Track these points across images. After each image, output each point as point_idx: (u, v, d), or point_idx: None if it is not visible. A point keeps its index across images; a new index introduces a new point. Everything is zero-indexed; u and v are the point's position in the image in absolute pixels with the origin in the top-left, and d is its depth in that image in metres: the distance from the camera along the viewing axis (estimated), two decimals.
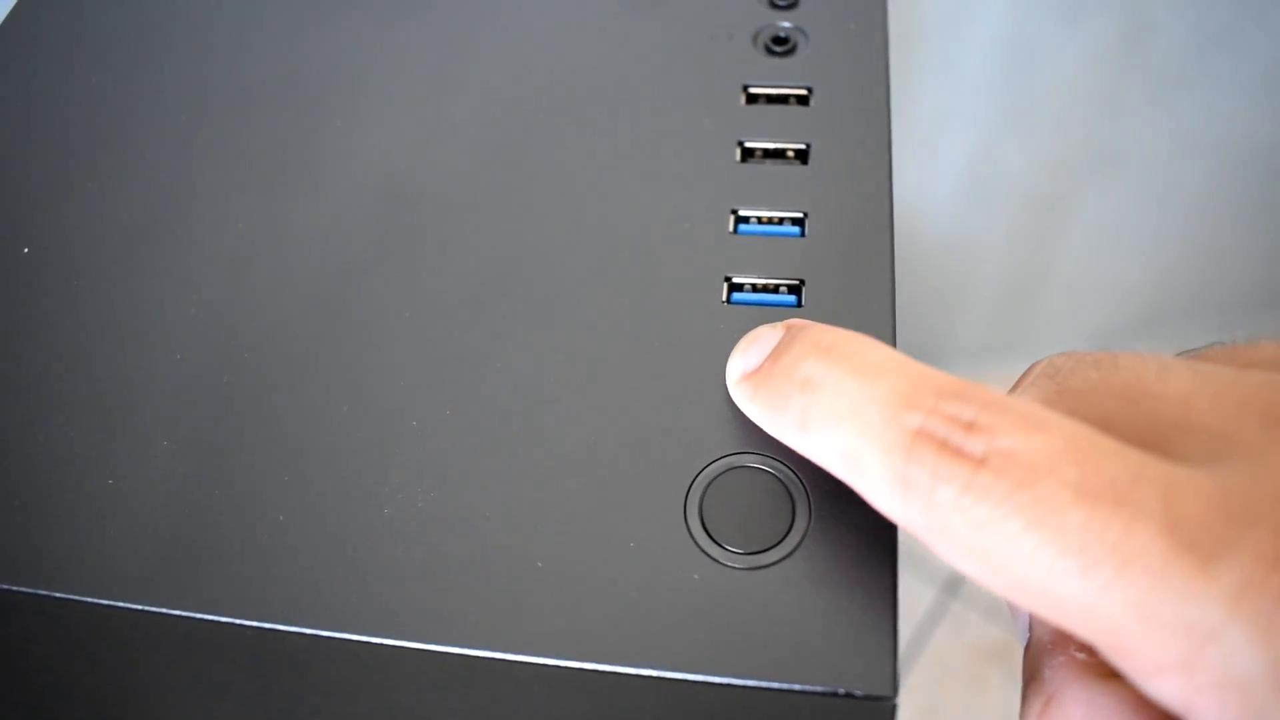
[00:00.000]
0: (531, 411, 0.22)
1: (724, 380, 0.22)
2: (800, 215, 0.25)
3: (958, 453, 0.16)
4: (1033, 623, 0.21)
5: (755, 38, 0.28)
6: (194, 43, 0.30)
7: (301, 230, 0.26)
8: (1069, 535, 0.15)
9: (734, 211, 0.25)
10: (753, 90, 0.27)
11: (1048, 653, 0.19)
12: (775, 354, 0.20)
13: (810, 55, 0.28)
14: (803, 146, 0.26)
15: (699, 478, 0.21)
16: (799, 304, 0.23)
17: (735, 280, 0.24)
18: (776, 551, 0.20)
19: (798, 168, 0.26)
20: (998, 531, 0.16)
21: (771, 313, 0.23)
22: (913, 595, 1.09)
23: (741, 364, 0.21)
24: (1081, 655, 0.19)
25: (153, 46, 0.30)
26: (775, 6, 0.29)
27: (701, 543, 0.20)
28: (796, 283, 0.24)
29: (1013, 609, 0.22)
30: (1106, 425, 0.17)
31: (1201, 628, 0.15)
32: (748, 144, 0.26)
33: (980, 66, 0.88)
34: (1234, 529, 0.15)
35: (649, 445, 0.22)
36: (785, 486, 0.21)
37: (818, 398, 0.19)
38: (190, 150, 0.28)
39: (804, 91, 0.27)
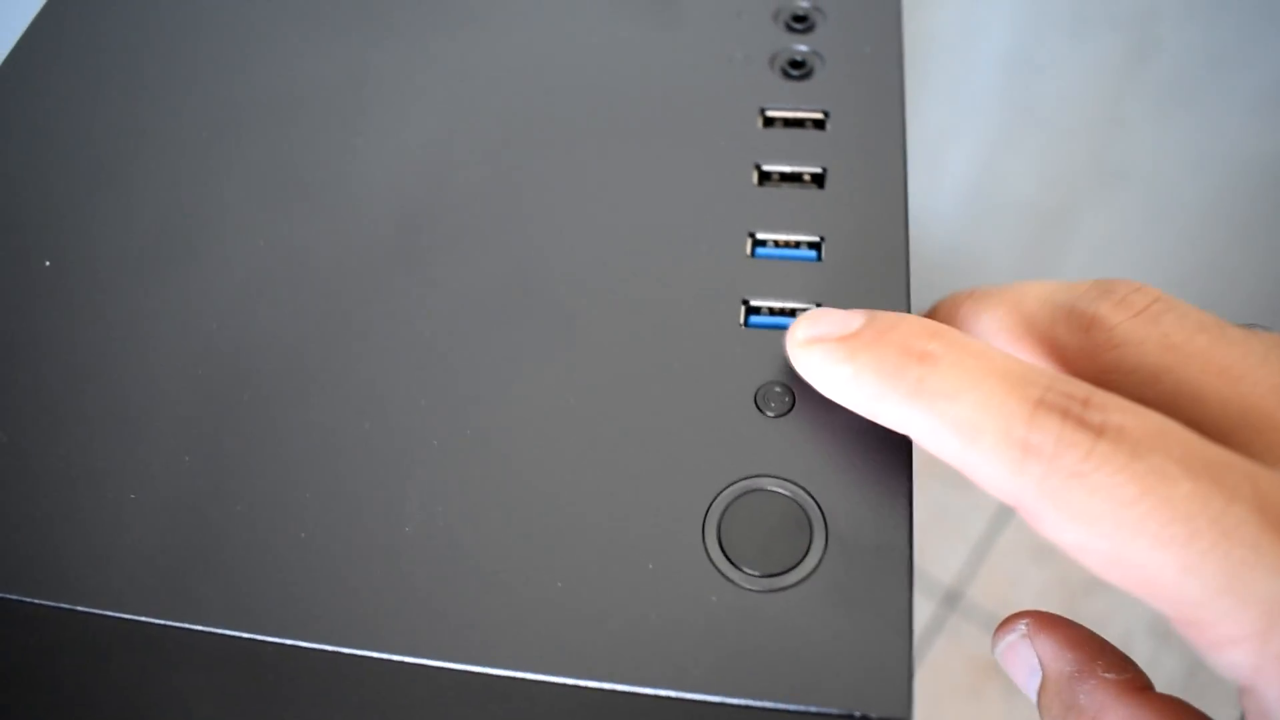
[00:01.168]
0: (551, 432, 0.23)
1: (742, 402, 0.22)
2: (817, 239, 0.25)
3: (1081, 421, 0.17)
4: (1048, 659, 0.21)
5: (772, 61, 0.29)
6: (212, 59, 0.31)
7: (321, 246, 0.26)
8: (1177, 504, 0.16)
9: (751, 235, 0.25)
10: (770, 114, 0.28)
11: (1076, 681, 0.20)
12: (880, 326, 0.20)
13: (826, 79, 0.28)
14: (819, 170, 0.26)
15: (717, 500, 0.21)
16: None
17: (753, 303, 0.24)
18: (793, 574, 0.21)
19: (814, 191, 0.26)
20: (1113, 496, 0.17)
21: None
22: (914, 608, 1.09)
23: (815, 329, 0.21)
24: (1111, 675, 0.20)
25: (172, 62, 0.31)
26: (792, 30, 0.29)
27: (719, 564, 0.21)
28: (813, 306, 0.24)
29: (1008, 660, 0.23)
30: (1198, 399, 0.19)
31: None
32: (765, 167, 0.27)
33: (985, 82, 0.89)
34: None
35: (668, 467, 0.22)
36: (802, 509, 0.21)
37: (936, 369, 0.19)
38: (209, 165, 0.28)
39: (820, 115, 0.27)
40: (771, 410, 0.23)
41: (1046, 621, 0.22)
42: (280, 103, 0.29)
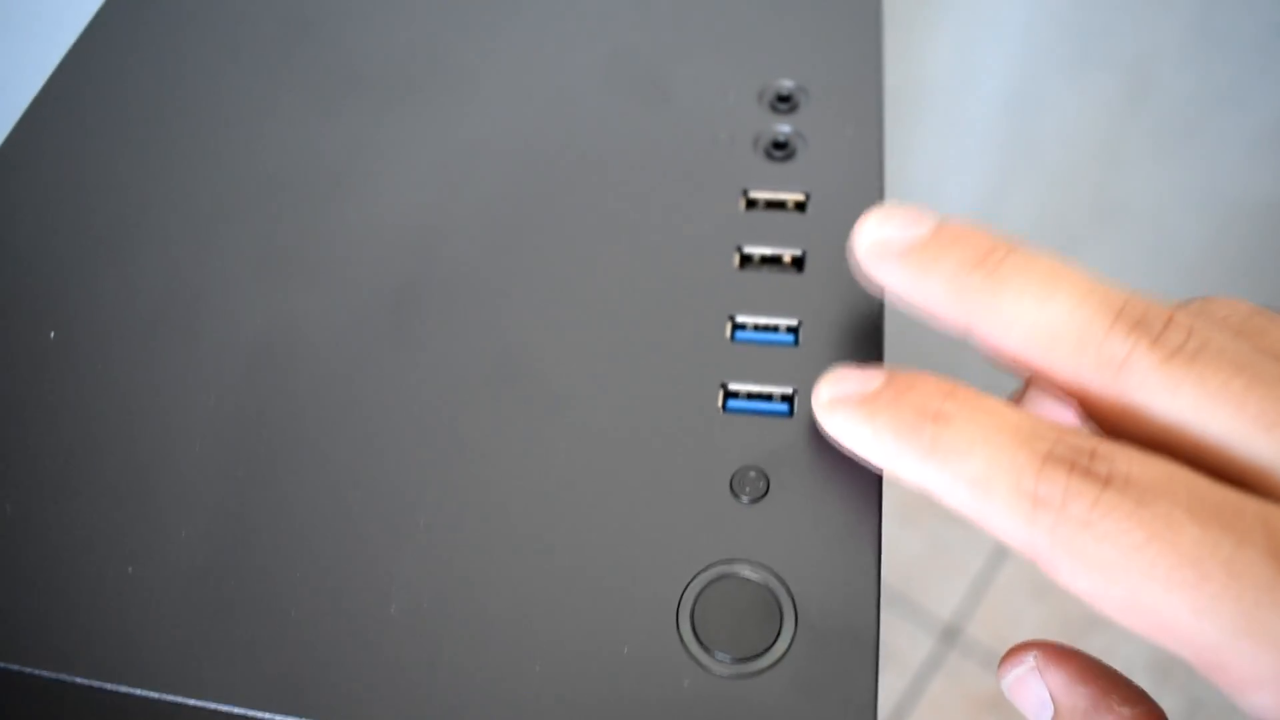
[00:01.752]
0: (531, 515, 0.23)
1: (718, 487, 0.23)
2: (795, 323, 0.26)
3: (1087, 472, 0.18)
4: (1060, 693, 0.21)
5: (756, 141, 0.30)
6: (212, 136, 0.31)
7: (316, 322, 0.27)
8: (1185, 548, 0.17)
9: (731, 318, 0.26)
10: (752, 195, 0.28)
11: (1090, 716, 0.21)
12: (899, 387, 0.21)
13: (809, 160, 0.29)
14: (799, 253, 0.27)
15: (691, 584, 0.22)
16: (791, 413, 0.24)
17: (731, 387, 0.25)
18: (763, 659, 0.21)
19: (794, 275, 0.27)
20: (1122, 542, 0.17)
21: (765, 421, 0.24)
22: (910, 644, 1.09)
23: (838, 390, 0.22)
24: (1126, 710, 0.20)
25: (173, 138, 0.31)
26: (776, 110, 0.30)
27: (692, 650, 0.21)
28: (790, 392, 0.25)
29: (1017, 694, 0.23)
30: (1227, 446, 0.19)
31: None
32: (746, 250, 0.27)
33: (984, 121, 0.90)
34: None
35: (644, 551, 0.23)
36: (774, 595, 0.22)
37: (950, 428, 0.20)
38: (210, 239, 0.29)
39: (802, 197, 0.28)
40: (747, 495, 0.23)
41: (1056, 654, 0.22)
42: (277, 179, 0.30)
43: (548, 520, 0.23)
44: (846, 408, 0.22)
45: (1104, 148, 0.92)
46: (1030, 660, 0.22)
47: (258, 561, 0.23)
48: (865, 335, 0.25)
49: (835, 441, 0.22)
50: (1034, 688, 0.22)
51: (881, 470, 0.22)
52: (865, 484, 0.23)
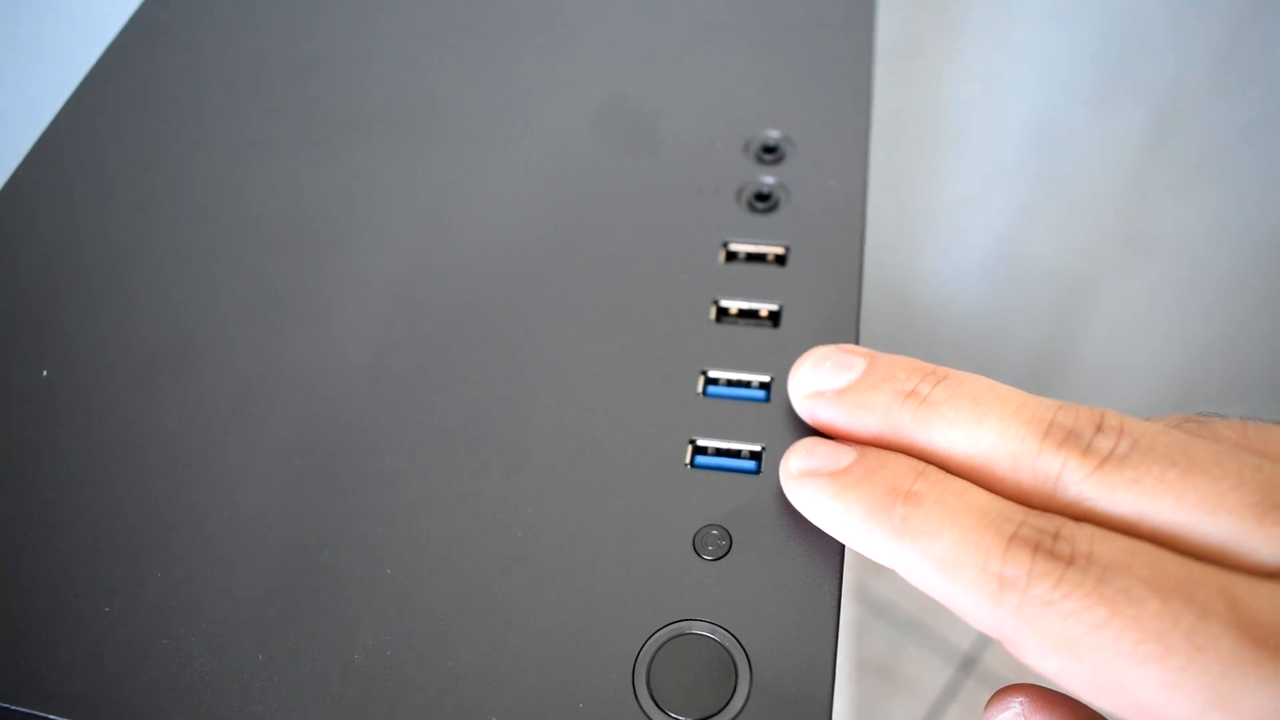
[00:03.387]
0: (493, 567, 0.24)
1: (680, 544, 0.23)
2: (768, 379, 0.26)
3: (1051, 552, 0.18)
4: None
5: (739, 193, 0.30)
6: (208, 176, 0.32)
7: (301, 369, 0.27)
8: (1147, 621, 0.17)
9: (704, 373, 0.26)
10: (732, 248, 0.29)
11: None
12: (870, 464, 0.22)
13: (791, 213, 0.29)
14: (776, 308, 0.27)
15: (649, 643, 0.22)
16: (758, 471, 0.25)
17: (700, 443, 0.25)
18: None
19: (769, 330, 0.27)
20: (1084, 619, 0.17)
21: (732, 478, 0.25)
22: (929, 672, 1.09)
23: (808, 463, 0.23)
24: None
25: (170, 180, 0.32)
26: (761, 161, 0.30)
27: (647, 709, 0.22)
28: (759, 449, 0.25)
29: None
30: (1175, 536, 0.19)
31: (1274, 714, 0.16)
32: (723, 303, 0.28)
33: (1008, 153, 0.89)
34: None
35: (604, 608, 0.23)
36: (730, 656, 0.22)
37: (919, 508, 0.20)
38: (202, 281, 0.29)
39: (782, 250, 0.28)
40: (709, 554, 0.23)
41: (1042, 698, 0.22)
42: (271, 222, 0.31)
43: (509, 573, 0.24)
44: (816, 481, 0.22)
45: (1129, 181, 0.91)
46: (1016, 705, 0.22)
47: (227, 606, 0.24)
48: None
49: (805, 515, 0.23)
50: None
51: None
52: (828, 546, 0.23)
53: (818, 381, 0.24)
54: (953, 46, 0.82)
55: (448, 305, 0.28)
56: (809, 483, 0.22)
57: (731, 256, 0.29)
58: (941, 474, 0.21)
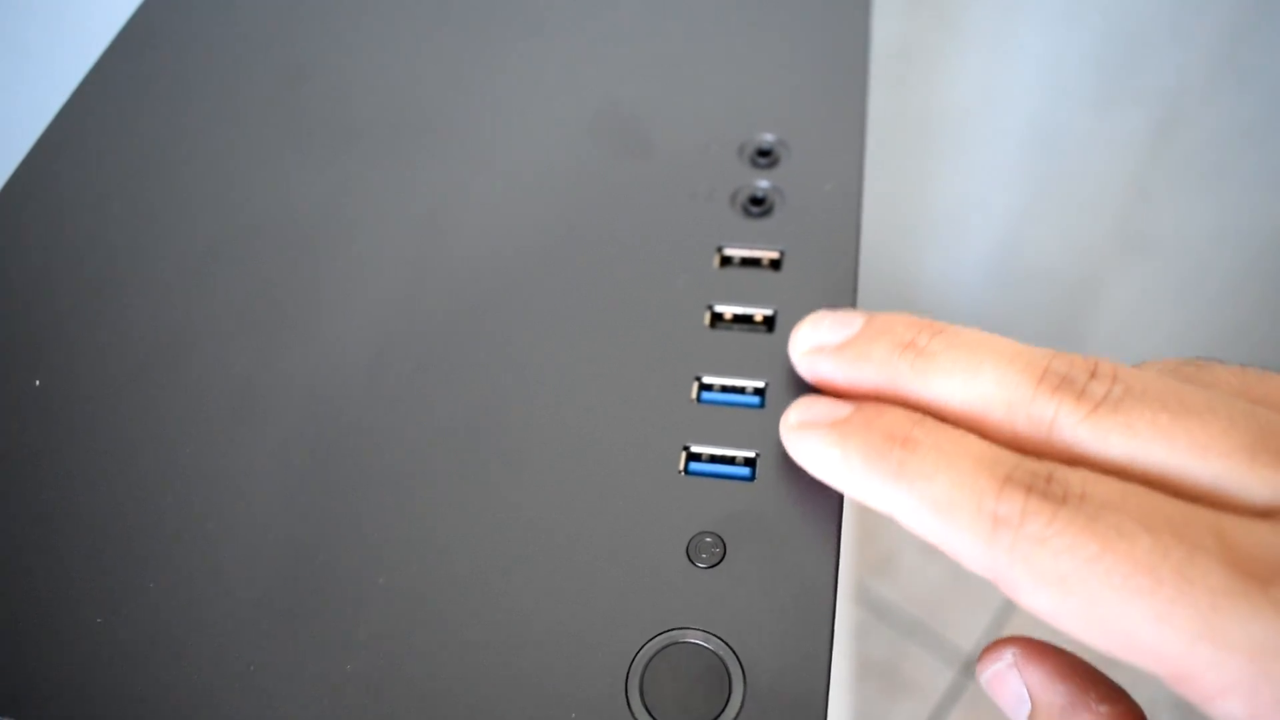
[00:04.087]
0: (486, 575, 0.24)
1: (674, 552, 0.23)
2: (762, 385, 0.26)
3: (1045, 493, 0.19)
4: (1037, 690, 0.22)
5: (734, 197, 0.30)
6: (201, 187, 0.32)
7: (297, 377, 0.27)
8: (1139, 556, 0.17)
9: (698, 378, 0.26)
10: (727, 252, 0.29)
11: (1069, 714, 0.21)
12: (869, 414, 0.22)
13: (786, 217, 0.29)
14: (770, 313, 0.27)
15: (642, 651, 0.22)
16: (752, 477, 0.24)
17: (694, 449, 0.25)
18: None
19: (764, 335, 0.27)
20: (1077, 555, 0.18)
21: (726, 485, 0.24)
22: (931, 675, 1.09)
23: (807, 414, 0.23)
24: (1105, 708, 0.21)
25: (162, 187, 0.32)
26: (756, 165, 0.30)
27: (640, 718, 0.21)
28: (753, 455, 0.25)
29: (994, 689, 0.23)
30: (1166, 478, 0.19)
31: (1265, 647, 0.16)
32: (717, 309, 0.27)
33: (1009, 154, 0.89)
34: None
35: (597, 616, 0.23)
36: (723, 664, 0.22)
37: (916, 453, 0.20)
38: (197, 287, 0.29)
39: (776, 255, 0.28)
40: (703, 561, 0.23)
41: (1035, 650, 0.22)
42: (265, 230, 0.30)
43: (501, 581, 0.23)
44: (816, 430, 0.23)
45: (1131, 181, 0.91)
46: (1009, 656, 0.22)
47: (218, 617, 0.24)
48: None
49: (803, 466, 0.23)
50: (1012, 684, 0.22)
51: (840, 520, 0.23)
52: (823, 552, 0.23)
53: (817, 338, 0.24)
54: (954, 47, 0.81)
55: (443, 309, 0.28)
56: (809, 433, 0.23)
57: (726, 261, 0.29)
58: (938, 422, 0.21)
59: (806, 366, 0.24)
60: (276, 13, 0.37)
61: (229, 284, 0.29)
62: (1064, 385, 0.20)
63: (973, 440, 0.20)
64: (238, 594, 0.24)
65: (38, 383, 0.28)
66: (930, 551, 1.18)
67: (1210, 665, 0.17)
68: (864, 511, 1.21)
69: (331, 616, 0.23)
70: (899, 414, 0.22)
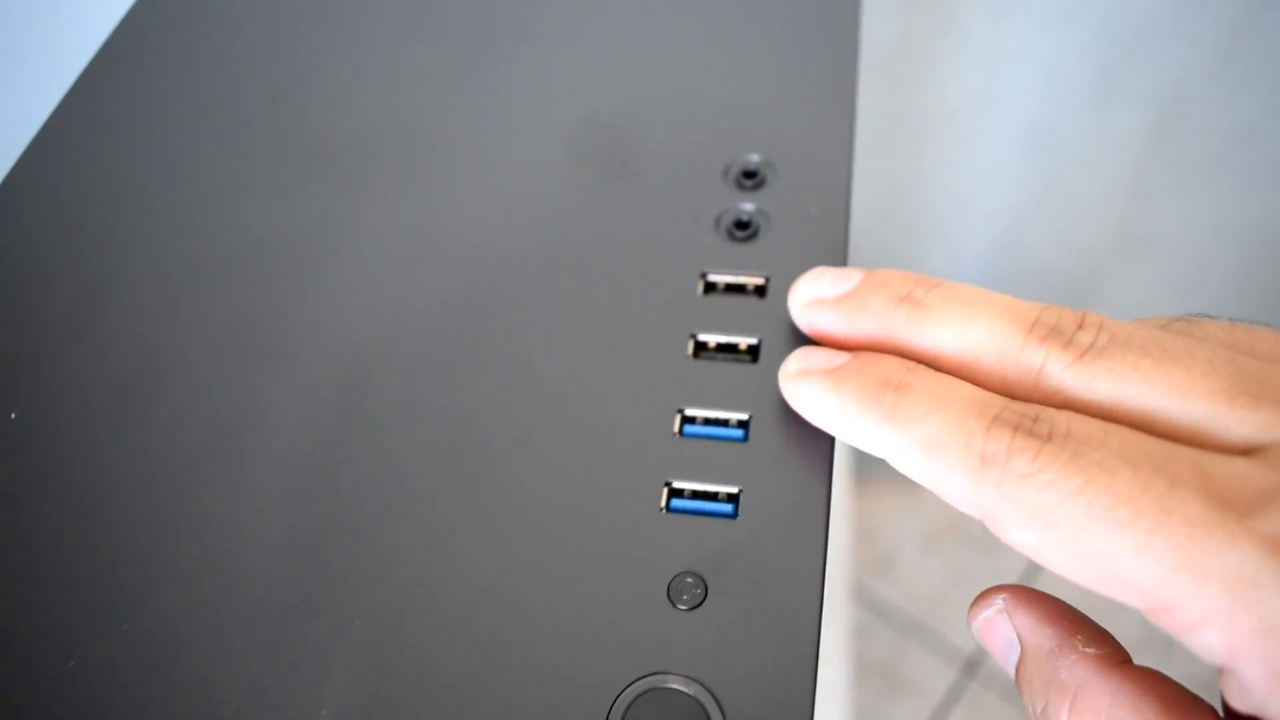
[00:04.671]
0: (464, 617, 0.23)
1: (655, 593, 0.23)
2: (745, 418, 0.25)
3: (1031, 431, 0.19)
4: (1026, 634, 0.22)
5: (718, 220, 0.29)
6: (175, 215, 0.31)
7: (272, 406, 0.27)
8: (1119, 489, 0.18)
9: (680, 411, 0.26)
10: (711, 278, 0.28)
11: (1056, 656, 0.21)
12: (864, 360, 0.23)
13: (771, 241, 0.28)
14: (755, 342, 0.27)
15: (622, 696, 0.22)
16: (735, 515, 0.24)
17: (675, 485, 0.25)
18: None
19: (748, 366, 0.26)
20: (1060, 488, 0.18)
21: (708, 522, 0.24)
22: (932, 675, 1.08)
23: (805, 363, 0.24)
24: (1091, 650, 0.21)
25: (135, 216, 0.31)
26: (741, 187, 0.30)
27: None
28: (735, 491, 0.24)
29: (985, 635, 0.23)
30: (1151, 420, 0.20)
31: (1241, 576, 0.17)
32: (700, 337, 0.27)
33: (1007, 152, 0.89)
34: (1266, 494, 0.17)
35: (576, 659, 0.22)
36: (704, 710, 0.21)
37: (908, 396, 0.21)
38: (170, 320, 0.29)
39: (762, 281, 0.28)
40: (683, 603, 0.23)
41: (1024, 596, 0.22)
42: (240, 258, 0.30)
43: (480, 623, 0.23)
44: (813, 377, 0.23)
45: (1130, 179, 0.90)
46: (999, 602, 0.23)
47: (194, 656, 0.23)
48: (815, 434, 0.25)
49: (799, 412, 0.24)
50: (1002, 629, 0.22)
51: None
52: (806, 593, 0.23)
53: (817, 290, 0.25)
54: (953, 46, 0.81)
55: (420, 339, 0.28)
56: (805, 379, 0.24)
57: (710, 287, 0.28)
58: (930, 370, 0.22)
59: (805, 319, 0.25)
60: (256, 34, 0.37)
61: (205, 311, 0.29)
62: (1052, 334, 0.21)
63: (963, 385, 0.21)
64: (215, 633, 0.23)
65: (13, 415, 0.28)
66: (930, 551, 1.17)
67: (1188, 596, 0.17)
68: (864, 511, 1.21)
69: (307, 660, 0.23)
70: (893, 361, 0.22)
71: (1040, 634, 0.22)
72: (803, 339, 0.26)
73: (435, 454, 0.26)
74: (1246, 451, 0.18)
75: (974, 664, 1.08)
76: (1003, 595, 0.23)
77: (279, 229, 0.30)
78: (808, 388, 0.23)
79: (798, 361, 0.24)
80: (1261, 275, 0.97)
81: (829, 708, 0.75)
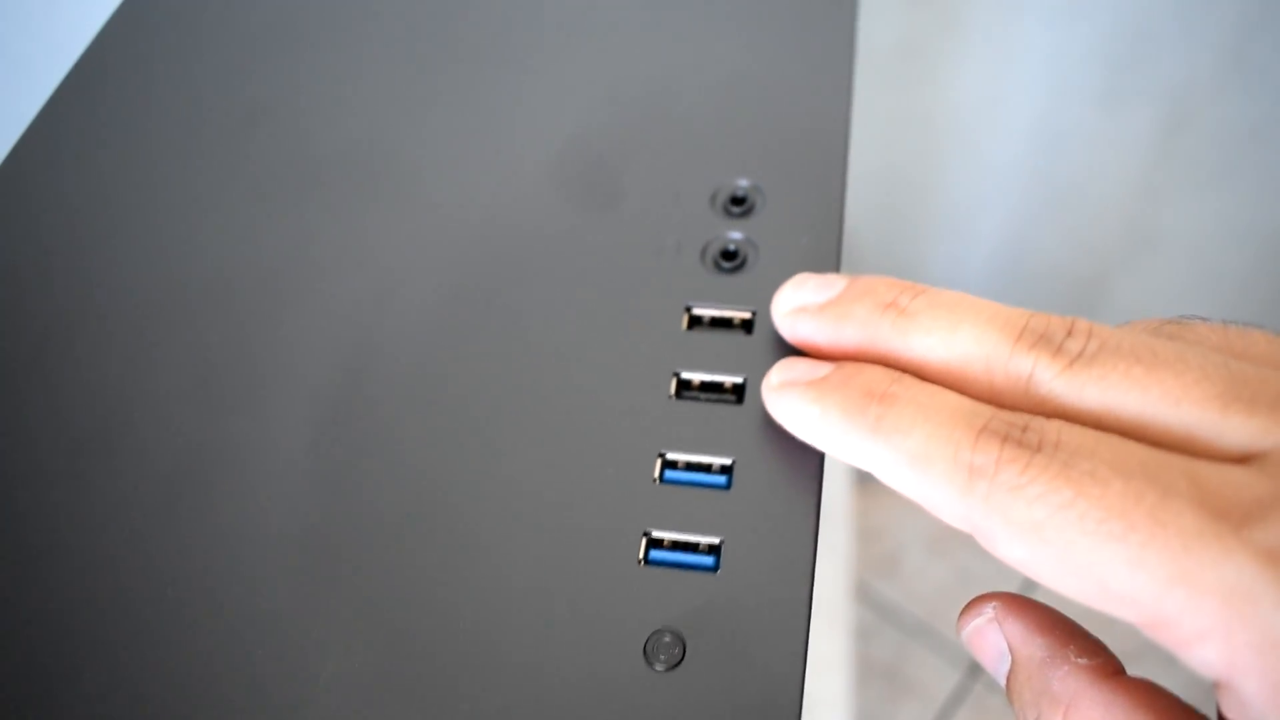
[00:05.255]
0: (432, 683, 0.22)
1: (631, 653, 0.22)
2: (729, 462, 0.24)
3: (1019, 442, 0.19)
4: (1017, 644, 0.21)
5: (704, 251, 0.28)
6: (159, 229, 0.30)
7: (246, 430, 0.26)
8: (1111, 501, 0.17)
9: (662, 455, 0.25)
10: (696, 312, 0.27)
11: (1048, 667, 0.21)
12: (847, 372, 0.22)
13: (759, 273, 0.27)
14: (740, 381, 0.26)
15: None
16: (716, 567, 0.23)
17: (654, 535, 0.24)
18: None
19: (732, 406, 0.25)
20: (1050, 501, 0.18)
21: (688, 576, 0.23)
22: (937, 677, 1.07)
23: (788, 374, 0.23)
24: (1084, 660, 0.20)
25: (112, 242, 0.31)
26: (729, 215, 0.29)
27: None
28: (717, 542, 0.23)
29: (975, 644, 0.22)
30: (1142, 427, 0.19)
31: (1238, 589, 0.16)
32: (684, 375, 0.26)
33: (1015, 151, 0.88)
34: (1262, 504, 0.17)
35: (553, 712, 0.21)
36: None
37: (893, 408, 0.21)
38: (138, 353, 0.28)
39: (748, 315, 0.27)
40: (660, 663, 0.22)
41: (1015, 605, 0.22)
42: (208, 287, 0.29)
43: (446, 687, 0.22)
44: (796, 389, 0.23)
45: (1139, 180, 0.89)
46: (989, 611, 0.22)
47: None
48: (801, 483, 0.24)
49: (781, 424, 0.23)
50: (992, 638, 0.22)
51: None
52: (788, 652, 0.22)
53: (800, 298, 0.24)
54: (959, 45, 0.80)
55: (393, 375, 0.27)
56: (788, 392, 0.23)
57: (695, 321, 0.27)
58: (915, 379, 0.21)
59: (788, 327, 0.24)
60: (227, 58, 0.36)
61: (171, 345, 0.28)
62: (1041, 342, 0.20)
63: (950, 395, 0.21)
64: (184, 676, 0.23)
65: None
66: (934, 551, 1.17)
67: (1184, 610, 0.17)
68: (868, 510, 1.20)
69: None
70: (877, 371, 0.22)
71: (1031, 644, 0.21)
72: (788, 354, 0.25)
73: (404, 500, 0.25)
74: (1241, 459, 0.18)
75: (978, 666, 1.07)
76: (992, 604, 0.22)
77: (252, 254, 0.29)
78: (790, 400, 0.23)
79: (781, 373, 0.24)
80: (1271, 276, 0.95)
81: (831, 710, 0.75)
